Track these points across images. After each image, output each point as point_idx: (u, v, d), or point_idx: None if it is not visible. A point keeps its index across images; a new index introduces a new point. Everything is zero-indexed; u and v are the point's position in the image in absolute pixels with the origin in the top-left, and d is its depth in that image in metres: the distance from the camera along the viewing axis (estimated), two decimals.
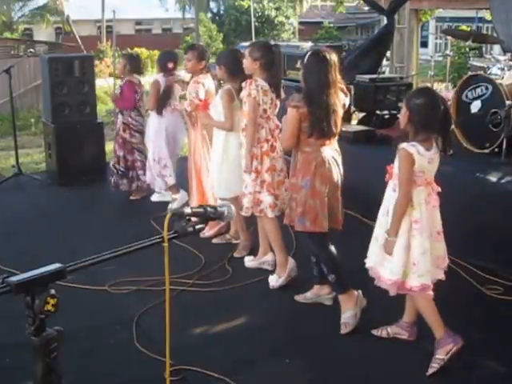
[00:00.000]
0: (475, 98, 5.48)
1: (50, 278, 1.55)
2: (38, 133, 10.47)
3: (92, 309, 4.14)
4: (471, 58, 8.43)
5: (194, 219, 1.86)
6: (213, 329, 3.91)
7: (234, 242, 5.19)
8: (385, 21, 8.59)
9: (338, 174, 3.84)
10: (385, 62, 10.19)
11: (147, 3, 31.36)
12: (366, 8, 23.64)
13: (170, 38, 27.83)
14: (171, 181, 6.11)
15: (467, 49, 10.75)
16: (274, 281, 4.41)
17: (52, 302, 1.54)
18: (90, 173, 7.07)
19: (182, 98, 6.09)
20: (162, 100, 5.97)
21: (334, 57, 3.74)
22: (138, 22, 34.95)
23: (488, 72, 5.65)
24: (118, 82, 7.03)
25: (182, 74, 5.98)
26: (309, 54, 3.80)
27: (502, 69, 5.56)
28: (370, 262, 3.50)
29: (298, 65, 3.93)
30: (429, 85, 6.58)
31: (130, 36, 29.30)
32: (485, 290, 4.30)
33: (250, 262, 4.81)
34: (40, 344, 1.57)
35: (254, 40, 14.07)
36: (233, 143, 4.70)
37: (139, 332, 3.80)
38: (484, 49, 12.44)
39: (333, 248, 3.89)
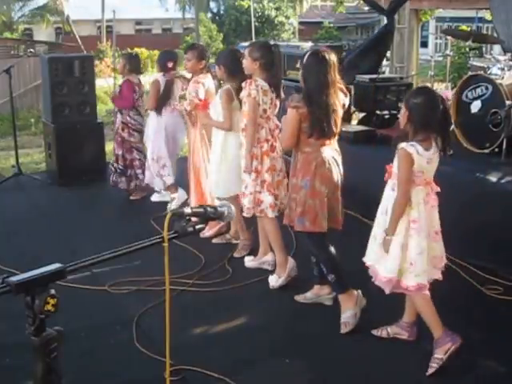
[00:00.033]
0: (475, 98, 5.48)
1: (50, 278, 1.55)
2: (38, 133, 10.47)
3: (92, 309, 4.14)
4: (471, 58, 8.43)
5: (194, 219, 1.86)
6: (213, 329, 3.91)
7: (234, 242, 5.19)
8: (385, 21, 8.59)
9: (338, 174, 3.85)
10: (385, 62, 10.19)
11: (147, 3, 31.36)
12: (366, 8, 23.64)
13: (170, 38, 27.82)
14: (169, 180, 6.12)
15: (467, 49, 10.75)
16: (274, 281, 4.41)
17: (52, 302, 1.54)
18: (90, 173, 7.07)
19: (182, 97, 6.10)
20: (162, 100, 5.98)
21: (333, 57, 3.74)
22: (138, 22, 34.95)
23: (488, 72, 5.65)
24: (119, 80, 7.04)
25: (180, 84, 5.98)
26: (308, 54, 3.80)
27: (502, 69, 5.56)
28: (368, 261, 3.51)
29: (298, 65, 3.93)
30: (429, 85, 6.57)
31: (130, 36, 29.29)
32: (485, 290, 4.30)
33: (250, 262, 4.81)
34: (40, 344, 1.57)
35: (253, 40, 14.08)
36: (232, 143, 4.70)
37: (139, 332, 3.80)
38: (484, 49, 12.44)
39: (332, 248, 3.89)
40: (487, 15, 16.77)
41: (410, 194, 3.30)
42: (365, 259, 3.53)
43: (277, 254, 4.48)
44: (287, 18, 28.38)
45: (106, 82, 12.81)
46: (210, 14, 29.26)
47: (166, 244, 1.78)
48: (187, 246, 4.96)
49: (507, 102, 5.16)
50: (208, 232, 5.23)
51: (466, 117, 5.56)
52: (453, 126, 5.60)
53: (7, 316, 3.39)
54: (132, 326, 3.86)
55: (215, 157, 4.86)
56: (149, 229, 5.26)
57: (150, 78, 7.19)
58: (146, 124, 6.33)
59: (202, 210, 1.88)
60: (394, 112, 6.51)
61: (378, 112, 6.75)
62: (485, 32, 18.01)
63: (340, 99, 3.82)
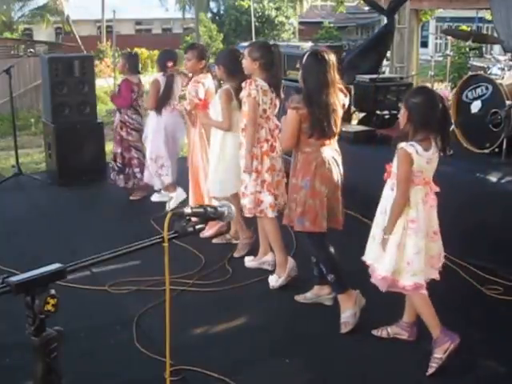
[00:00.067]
0: (475, 98, 5.48)
1: (50, 278, 1.55)
2: (38, 133, 10.47)
3: (92, 309, 4.14)
4: (471, 58, 8.43)
5: (194, 219, 1.86)
6: (213, 329, 3.91)
7: (234, 242, 5.19)
8: (385, 21, 8.59)
9: (338, 174, 3.85)
10: (385, 61, 10.19)
11: (147, 3, 31.35)
12: (366, 8, 23.65)
13: (170, 38, 27.81)
14: (168, 180, 6.13)
15: (467, 49, 10.74)
16: (274, 281, 4.41)
17: (52, 302, 1.54)
18: (89, 173, 7.07)
19: (182, 97, 6.10)
20: (163, 100, 5.98)
21: (332, 57, 3.75)
22: (138, 22, 34.95)
23: (488, 72, 5.65)
24: (119, 80, 7.04)
25: (181, 79, 5.98)
26: (307, 54, 3.80)
27: (502, 69, 5.56)
28: (367, 260, 3.51)
29: (298, 65, 3.93)
30: (429, 85, 6.58)
31: (130, 36, 29.28)
32: (485, 290, 4.30)
33: (250, 262, 4.81)
34: (40, 344, 1.57)
35: (253, 40, 14.08)
36: (230, 143, 4.72)
37: (139, 332, 3.80)
38: (484, 49, 12.43)
39: (331, 248, 3.89)
40: (487, 15, 16.76)
41: (408, 194, 3.30)
42: (364, 258, 3.54)
43: (277, 254, 4.48)
44: (287, 18, 28.37)
45: (106, 82, 12.80)
46: (210, 14, 29.24)
47: (166, 244, 1.78)
48: (187, 246, 4.96)
49: (507, 102, 5.16)
50: (207, 232, 5.23)
51: (466, 117, 5.56)
52: (453, 126, 5.60)
53: (7, 316, 3.40)
54: (132, 326, 3.86)
55: (213, 156, 4.89)
56: (149, 229, 5.26)
57: (150, 77, 7.19)
58: (145, 123, 6.34)
59: (202, 210, 1.88)
60: (394, 112, 6.51)
61: (378, 112, 6.75)
62: (485, 32, 18.01)
63: (340, 99, 3.82)
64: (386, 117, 6.73)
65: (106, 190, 6.95)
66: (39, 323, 1.55)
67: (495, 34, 7.33)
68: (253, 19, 19.26)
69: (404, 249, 3.31)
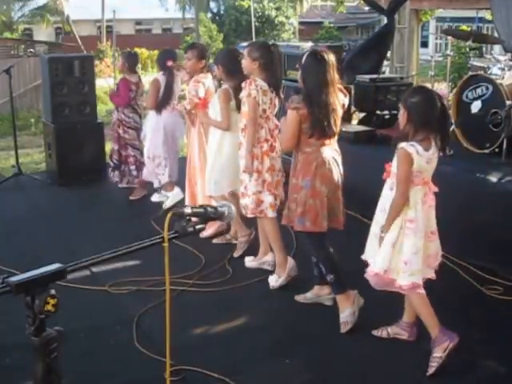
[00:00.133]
0: (475, 98, 5.48)
1: (50, 278, 1.56)
2: (37, 133, 10.47)
3: (92, 309, 4.14)
4: (471, 58, 8.41)
5: (194, 219, 1.86)
6: (213, 329, 3.91)
7: (234, 242, 5.18)
8: (385, 21, 8.59)
9: (338, 174, 3.85)
10: (385, 61, 10.18)
11: (147, 3, 31.35)
12: (367, 8, 23.64)
13: (170, 38, 27.81)
14: (165, 179, 6.15)
15: (467, 49, 10.73)
16: (274, 281, 4.41)
17: (52, 302, 1.54)
18: (89, 173, 7.07)
19: (182, 98, 6.10)
20: (163, 100, 5.99)
21: (331, 57, 3.75)
22: (138, 22, 34.94)
23: (488, 72, 5.65)
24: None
25: (182, 74, 5.98)
26: (306, 54, 3.80)
27: (503, 69, 5.56)
28: (367, 258, 3.51)
29: (298, 65, 3.93)
30: (429, 85, 6.57)
31: (130, 36, 29.28)
32: (485, 290, 4.30)
33: (250, 262, 4.81)
34: (40, 344, 1.57)
35: (253, 40, 14.07)
36: (228, 142, 4.75)
37: (139, 332, 3.79)
38: (484, 49, 12.42)
39: (331, 248, 3.89)
40: (487, 15, 16.76)
41: (408, 194, 3.30)
42: (364, 256, 3.54)
43: (276, 253, 4.48)
44: (287, 18, 28.36)
45: (106, 82, 12.81)
46: (210, 14, 29.23)
47: (166, 244, 1.78)
48: (187, 246, 4.96)
49: (507, 102, 5.16)
50: (206, 232, 5.23)
51: (466, 117, 5.56)
52: (453, 126, 5.60)
53: (7, 316, 3.40)
54: (132, 326, 3.85)
55: (210, 155, 4.93)
56: (149, 229, 5.26)
57: (151, 77, 7.19)
58: (144, 122, 6.36)
59: (202, 210, 1.88)
60: (395, 112, 6.50)
61: (378, 112, 6.75)
62: (485, 32, 17.99)
63: (340, 99, 3.83)
64: (386, 117, 6.73)
65: (106, 190, 6.95)
66: (39, 323, 1.55)
67: (495, 34, 7.33)
68: (253, 19, 19.26)
69: (401, 248, 3.32)
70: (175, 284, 4.25)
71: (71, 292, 3.96)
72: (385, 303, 3.75)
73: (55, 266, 1.58)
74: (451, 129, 5.60)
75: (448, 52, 6.93)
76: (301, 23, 31.11)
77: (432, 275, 3.45)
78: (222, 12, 29.92)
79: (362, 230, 3.70)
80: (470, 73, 5.89)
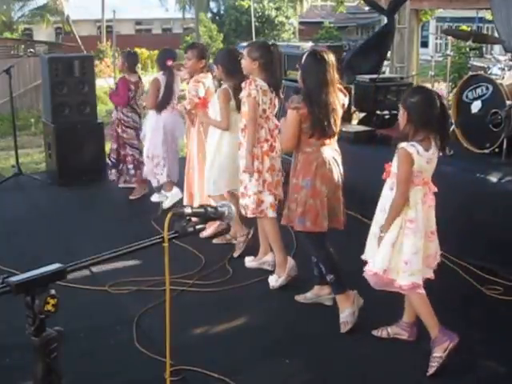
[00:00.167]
0: (475, 98, 5.48)
1: (50, 278, 1.55)
2: (37, 133, 10.47)
3: (92, 309, 4.14)
4: (471, 58, 8.40)
5: (194, 219, 1.86)
6: (213, 329, 3.91)
7: (234, 242, 5.18)
8: (385, 21, 8.59)
9: (338, 174, 3.85)
10: (385, 61, 10.18)
11: (147, 3, 31.35)
12: (367, 8, 23.64)
13: (170, 38, 27.80)
14: (163, 179, 6.16)
15: (467, 49, 10.72)
16: (274, 281, 4.41)
17: (52, 302, 1.54)
18: (89, 173, 7.07)
19: (182, 97, 6.10)
20: (164, 100, 5.99)
21: (331, 56, 3.75)
22: (138, 22, 34.94)
23: (488, 72, 5.65)
24: None
25: (182, 73, 5.99)
26: (306, 54, 3.80)
27: (503, 69, 5.56)
28: (367, 258, 3.51)
29: (297, 65, 3.93)
30: (429, 85, 6.57)
31: (130, 36, 29.28)
32: (485, 290, 4.30)
33: (250, 262, 4.81)
34: (40, 344, 1.57)
35: (253, 40, 14.07)
36: (226, 142, 4.77)
37: (139, 332, 3.79)
38: (484, 49, 12.41)
39: (331, 248, 3.89)
40: (488, 15, 16.76)
41: (408, 194, 3.30)
42: (363, 256, 3.54)
43: (276, 253, 4.48)
44: (287, 18, 28.36)
45: (105, 82, 12.76)
46: (210, 14, 29.23)
47: (166, 244, 1.78)
48: (187, 246, 4.96)
49: (507, 102, 5.16)
50: (205, 232, 5.22)
51: (466, 117, 5.56)
52: (453, 126, 5.60)
53: (7, 316, 3.39)
54: (132, 326, 3.85)
55: (209, 155, 4.94)
56: (149, 229, 5.26)
57: (151, 77, 7.20)
58: (143, 122, 6.37)
59: (202, 210, 1.88)
60: (395, 112, 6.50)
61: (378, 112, 6.75)
62: (485, 32, 17.99)
63: (340, 99, 3.83)
64: (386, 117, 6.73)
65: (106, 190, 6.96)
66: (39, 323, 1.55)
67: (496, 34, 7.33)
68: (253, 19, 19.27)
69: (400, 248, 3.32)
70: (175, 284, 4.25)
71: (71, 292, 3.96)
72: (385, 303, 3.75)
73: (55, 266, 1.58)
74: (451, 129, 5.60)
75: (448, 52, 6.93)
76: (301, 23, 31.11)
77: (431, 275, 3.46)
78: (222, 12, 29.93)
79: (362, 230, 3.70)
80: (470, 73, 5.89)
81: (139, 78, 6.58)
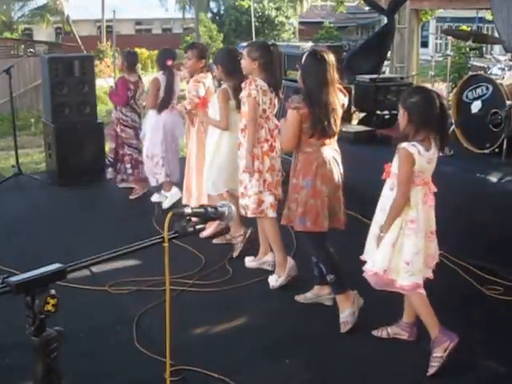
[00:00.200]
0: (476, 98, 5.48)
1: (50, 278, 1.55)
2: (37, 133, 10.47)
3: (92, 309, 4.14)
4: (471, 58, 8.40)
5: (194, 219, 1.86)
6: (213, 329, 3.91)
7: (235, 242, 5.18)
8: (385, 21, 8.59)
9: (338, 173, 3.85)
10: (385, 62, 10.18)
11: (147, 3, 31.35)
12: (367, 8, 23.64)
13: (170, 38, 27.79)
14: (161, 178, 6.17)
15: (467, 49, 10.72)
16: (274, 281, 4.41)
17: (52, 302, 1.54)
18: (89, 173, 7.07)
19: (182, 97, 6.10)
20: (165, 100, 5.99)
21: (331, 56, 3.76)
22: (138, 22, 34.93)
23: (488, 72, 5.65)
24: None
25: (182, 73, 5.99)
26: (306, 54, 3.80)
27: (503, 69, 5.56)
28: (366, 258, 3.51)
29: (297, 65, 3.93)
30: (429, 85, 6.58)
31: (130, 36, 29.28)
32: (485, 290, 4.30)
33: (250, 262, 4.81)
34: (40, 344, 1.57)
35: (253, 40, 14.07)
36: (226, 142, 4.79)
37: (139, 332, 3.79)
38: (484, 49, 12.41)
39: (331, 248, 3.89)
40: (488, 15, 16.76)
41: (409, 195, 3.30)
42: (363, 256, 3.54)
43: (276, 253, 4.48)
44: (287, 18, 28.35)
45: (105, 82, 12.77)
46: (210, 14, 29.23)
47: (166, 244, 1.78)
48: (187, 247, 4.96)
49: (507, 102, 5.16)
50: (205, 232, 5.22)
51: (466, 117, 5.56)
52: (453, 126, 5.60)
53: (7, 316, 3.39)
54: (132, 326, 3.85)
55: (208, 154, 4.95)
56: (149, 229, 5.26)
57: (151, 77, 7.20)
58: (143, 121, 6.37)
59: (202, 210, 1.87)
60: (395, 112, 6.50)
61: (378, 112, 6.75)
62: (485, 32, 17.99)
63: (340, 99, 3.83)
64: (386, 117, 6.73)
65: (106, 190, 6.96)
66: (39, 323, 1.55)
67: (496, 34, 7.33)
68: (253, 19, 19.26)
69: (401, 248, 3.32)
70: (175, 284, 4.25)
71: (71, 292, 3.96)
72: (385, 303, 3.75)
73: (55, 266, 1.58)
74: (451, 129, 5.60)
75: (448, 52, 6.93)
76: (301, 23, 31.10)
77: (430, 275, 3.46)
78: (222, 12, 29.92)
79: (362, 230, 3.69)
80: (470, 73, 5.89)
81: (139, 77, 6.59)
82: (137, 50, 17.64)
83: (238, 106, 4.57)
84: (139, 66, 7.80)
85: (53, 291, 1.55)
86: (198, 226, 1.86)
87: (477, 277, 4.46)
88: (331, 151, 3.85)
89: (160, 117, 6.04)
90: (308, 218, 3.78)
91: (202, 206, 1.89)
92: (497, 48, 13.10)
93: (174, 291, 4.22)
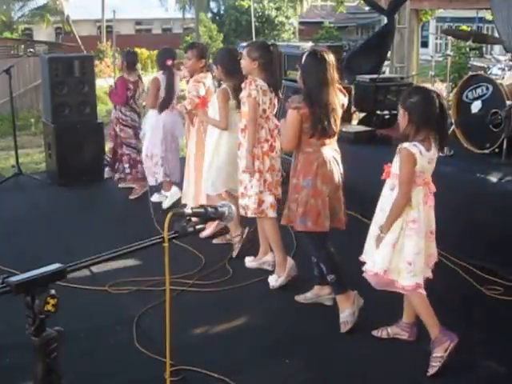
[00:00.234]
0: (476, 98, 5.48)
1: (50, 278, 1.55)
2: (37, 133, 10.47)
3: (92, 309, 4.14)
4: (471, 58, 8.41)
5: (194, 219, 1.86)
6: (213, 329, 3.91)
7: (233, 242, 5.18)
8: (385, 21, 8.59)
9: (338, 173, 3.85)
10: (385, 62, 10.18)
11: (147, 3, 31.36)
12: (367, 8, 23.64)
13: (170, 38, 27.77)
14: (160, 178, 6.18)
15: (467, 49, 10.73)
16: (274, 280, 4.41)
17: (52, 302, 1.54)
18: (89, 173, 7.06)
19: (182, 97, 6.09)
20: (166, 100, 5.99)
21: (331, 56, 3.76)
22: (138, 22, 34.94)
23: (488, 72, 5.65)
24: None
25: (182, 73, 5.99)
26: (306, 54, 3.80)
27: (503, 69, 5.56)
28: (366, 259, 3.51)
29: (297, 65, 3.93)
30: (429, 85, 6.58)
31: (130, 36, 29.28)
32: (484, 290, 4.30)
33: (250, 262, 4.81)
34: (40, 344, 1.57)
35: (253, 40, 14.07)
36: (225, 141, 4.80)
37: (139, 332, 3.79)
38: (484, 49, 12.42)
39: (332, 248, 3.89)
40: (488, 15, 16.76)
41: (410, 195, 3.30)
42: (362, 257, 3.54)
43: (276, 253, 4.48)
44: (287, 18, 28.35)
45: (105, 82, 12.77)
46: (210, 14, 29.23)
47: (166, 244, 1.78)
48: (187, 247, 4.96)
49: (507, 102, 5.16)
50: (205, 232, 5.22)
51: (466, 117, 5.56)
52: (453, 126, 5.61)
53: (7, 316, 3.39)
54: (132, 326, 3.85)
55: (208, 154, 4.96)
56: (149, 229, 5.25)
57: (151, 77, 7.20)
58: (142, 121, 6.38)
59: (202, 210, 1.87)
60: (395, 112, 6.50)
61: (378, 112, 6.75)
62: (485, 32, 18.00)
63: (339, 99, 3.83)
64: (386, 117, 6.73)
65: (106, 190, 6.96)
66: (39, 323, 1.55)
67: (496, 34, 7.33)
68: (253, 19, 19.25)
69: (403, 249, 3.31)
70: (175, 284, 4.25)
71: (71, 292, 3.97)
72: (385, 303, 3.75)
73: (55, 266, 1.58)
74: (451, 129, 5.61)
75: (448, 52, 6.94)
76: (301, 23, 31.10)
77: (430, 274, 3.46)
78: (222, 12, 29.92)
79: (362, 230, 3.69)
80: (470, 73, 5.89)
81: (139, 77, 6.59)
82: (137, 49, 17.63)
83: (238, 106, 4.58)
84: (139, 65, 7.80)
85: (53, 291, 1.55)
86: (198, 226, 1.86)
87: (477, 277, 4.46)
88: (331, 151, 3.85)
89: (160, 116, 6.04)
90: (309, 218, 3.77)
91: (202, 206, 1.89)
92: (497, 48, 13.10)
93: (174, 291, 4.22)
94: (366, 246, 3.54)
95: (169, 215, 1.80)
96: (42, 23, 27.18)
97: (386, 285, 3.43)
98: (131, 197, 6.57)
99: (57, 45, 20.45)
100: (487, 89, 5.39)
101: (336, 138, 3.91)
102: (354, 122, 7.43)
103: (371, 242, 3.49)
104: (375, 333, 3.72)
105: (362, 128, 6.63)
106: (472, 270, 4.55)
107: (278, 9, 27.87)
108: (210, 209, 1.88)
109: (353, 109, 7.13)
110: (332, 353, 3.62)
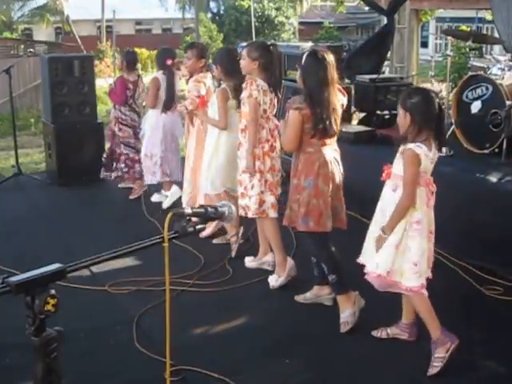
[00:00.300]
0: (475, 99, 5.48)
1: (50, 278, 1.55)
2: (37, 133, 10.47)
3: (92, 309, 4.14)
4: (471, 59, 8.41)
5: (194, 219, 1.86)
6: (213, 329, 3.91)
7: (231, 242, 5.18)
8: (385, 21, 8.59)
9: (339, 173, 3.85)
10: (385, 62, 10.18)
11: (147, 3, 31.37)
12: (367, 8, 23.63)
13: (170, 38, 27.77)
14: (159, 178, 6.18)
15: (467, 49, 10.73)
16: (274, 281, 4.41)
17: (52, 302, 1.54)
18: (89, 173, 7.05)
19: (182, 98, 6.09)
20: (168, 100, 5.98)
21: (331, 56, 3.76)
22: (138, 22, 34.95)
23: (488, 72, 5.65)
24: None
25: (181, 72, 5.99)
26: (306, 54, 3.80)
27: (503, 69, 5.56)
28: (364, 260, 3.51)
29: (297, 65, 3.93)
30: (429, 85, 6.58)
31: (130, 36, 29.29)
32: (484, 290, 4.30)
33: (250, 262, 4.81)
34: (40, 344, 1.57)
35: (253, 40, 14.07)
36: (224, 141, 4.81)
37: (139, 332, 3.79)
38: (484, 49, 12.43)
39: (333, 248, 3.89)
40: (487, 15, 16.78)
41: (414, 196, 3.29)
42: (360, 259, 3.54)
43: (276, 253, 4.48)
44: (287, 18, 28.34)
45: (105, 82, 12.78)
46: (210, 14, 29.23)
47: (166, 244, 1.78)
48: (187, 247, 4.96)
49: (507, 103, 5.16)
50: (205, 232, 5.22)
51: (466, 117, 5.56)
52: (453, 126, 5.61)
53: (7, 316, 3.39)
54: (132, 326, 3.85)
55: (207, 154, 4.96)
56: (149, 229, 5.26)
57: (151, 77, 7.20)
58: (142, 120, 6.37)
59: (202, 210, 1.88)
60: (395, 112, 6.46)
61: (378, 112, 6.75)
62: (485, 32, 18.00)
63: (339, 99, 3.83)
64: (386, 117, 6.73)
65: (106, 190, 6.96)
66: (39, 323, 1.55)
67: (496, 34, 7.33)
68: (253, 19, 19.24)
69: (405, 250, 3.31)
70: (175, 284, 4.25)
71: (71, 292, 3.97)
72: (385, 304, 3.75)
73: (55, 266, 1.58)
74: (451, 129, 5.61)
75: (448, 52, 6.93)
76: (301, 23, 31.09)
77: (429, 274, 3.46)
78: (222, 12, 29.91)
79: (362, 230, 3.69)
80: (470, 73, 5.89)
81: (138, 76, 6.58)
82: (137, 49, 17.66)
83: (238, 106, 4.58)
84: (139, 65, 7.80)
85: (53, 291, 1.55)
86: (198, 226, 1.86)
87: (476, 277, 4.46)
88: (332, 151, 3.85)
89: (160, 116, 6.04)
90: (311, 218, 3.77)
91: (202, 206, 1.90)
92: (497, 48, 13.10)
93: (174, 291, 4.22)
94: (365, 246, 3.54)
95: (169, 215, 1.80)
96: (41, 23, 27.21)
97: (388, 286, 3.42)
98: (131, 197, 6.57)
99: (57, 45, 20.45)
100: (487, 89, 5.39)
101: (336, 138, 3.91)
102: (354, 122, 7.43)
103: (370, 242, 3.48)
104: (375, 333, 3.72)
105: (362, 128, 6.63)
106: (472, 269, 4.55)
107: (277, 9, 27.87)
108: (210, 209, 1.88)
109: (353, 109, 7.13)
110: (332, 353, 3.62)
